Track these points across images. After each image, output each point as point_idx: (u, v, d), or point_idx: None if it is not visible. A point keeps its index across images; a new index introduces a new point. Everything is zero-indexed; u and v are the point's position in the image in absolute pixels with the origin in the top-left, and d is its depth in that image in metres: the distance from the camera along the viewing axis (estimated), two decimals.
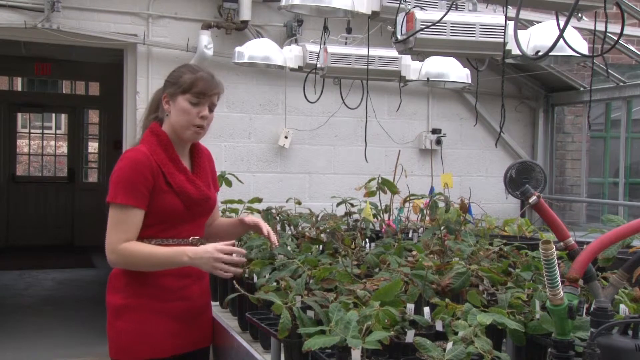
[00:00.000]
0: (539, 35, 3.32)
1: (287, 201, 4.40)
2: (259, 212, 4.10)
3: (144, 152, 2.58)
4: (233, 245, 2.56)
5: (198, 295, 2.73)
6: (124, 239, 2.51)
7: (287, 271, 2.78)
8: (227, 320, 3.34)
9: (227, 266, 2.48)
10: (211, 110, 2.66)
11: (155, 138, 2.63)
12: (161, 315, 2.61)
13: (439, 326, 2.16)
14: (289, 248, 3.28)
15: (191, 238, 2.65)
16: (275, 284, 2.68)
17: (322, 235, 3.61)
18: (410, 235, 3.75)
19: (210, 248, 2.50)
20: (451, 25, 3.11)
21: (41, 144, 13.91)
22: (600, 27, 2.92)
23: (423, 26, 2.99)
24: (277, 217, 4.07)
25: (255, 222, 2.78)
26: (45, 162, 13.92)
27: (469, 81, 4.63)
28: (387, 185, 3.96)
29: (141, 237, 2.58)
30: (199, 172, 2.73)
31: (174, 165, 2.62)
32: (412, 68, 4.57)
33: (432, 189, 4.85)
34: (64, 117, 14.03)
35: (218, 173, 4.28)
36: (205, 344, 2.84)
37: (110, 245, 2.51)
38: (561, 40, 2.30)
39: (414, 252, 2.86)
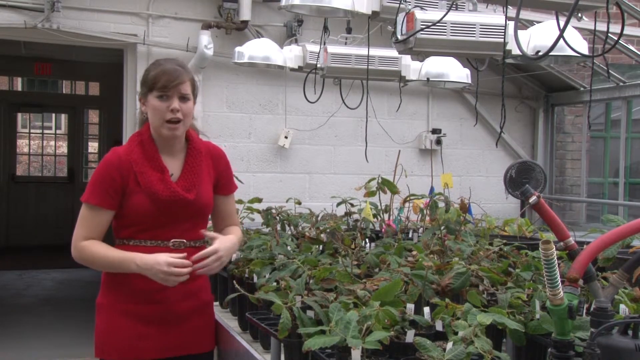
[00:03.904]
0: (539, 35, 3.32)
1: (287, 201, 4.39)
2: (259, 212, 4.10)
3: (117, 153, 2.58)
4: (184, 257, 2.49)
5: (177, 300, 2.60)
6: (85, 236, 2.53)
7: (287, 271, 2.78)
8: (227, 320, 3.34)
9: (176, 278, 2.46)
10: (185, 100, 2.56)
11: (138, 138, 2.62)
12: (131, 317, 2.56)
13: (439, 326, 2.16)
14: (289, 248, 3.28)
15: (172, 241, 2.56)
16: (275, 284, 2.68)
17: (322, 235, 3.61)
18: (410, 235, 3.75)
19: (162, 260, 2.45)
20: (451, 25, 3.11)
21: (41, 144, 13.92)
22: (601, 27, 2.92)
23: (423, 26, 2.98)
24: (277, 217, 4.07)
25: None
26: (45, 162, 13.92)
27: (469, 81, 4.64)
28: (387, 185, 3.95)
29: (121, 238, 2.58)
30: (187, 173, 2.62)
31: (150, 164, 2.56)
32: (412, 68, 4.57)
33: (432, 189, 4.85)
34: (64, 117, 14.03)
35: None
36: (199, 350, 2.70)
37: (73, 241, 2.55)
38: (561, 40, 2.30)
39: (414, 252, 2.86)
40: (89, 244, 2.52)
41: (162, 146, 2.62)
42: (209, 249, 2.55)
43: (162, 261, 2.45)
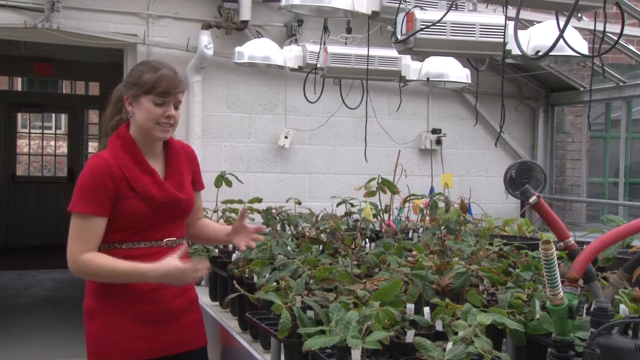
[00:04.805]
0: (539, 35, 3.33)
1: (287, 201, 4.40)
2: (259, 212, 4.10)
3: (104, 159, 2.50)
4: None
5: (172, 298, 2.60)
6: (85, 248, 2.45)
7: (287, 271, 2.78)
8: (227, 320, 3.34)
9: (195, 273, 2.45)
10: (177, 107, 2.56)
11: (120, 141, 2.55)
12: (129, 318, 2.53)
13: (439, 326, 2.17)
14: (289, 248, 3.28)
15: (165, 240, 2.57)
16: (275, 284, 2.68)
17: (322, 235, 3.62)
18: (410, 235, 3.76)
19: (172, 267, 2.41)
20: (451, 25, 3.11)
21: (41, 144, 13.91)
22: (600, 27, 2.92)
23: (423, 26, 2.99)
24: (277, 217, 4.08)
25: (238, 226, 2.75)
26: (45, 162, 13.92)
27: (469, 81, 4.63)
28: (387, 185, 3.96)
29: (112, 242, 2.52)
30: (172, 172, 2.63)
31: (139, 168, 2.54)
32: (412, 68, 4.57)
33: (432, 189, 4.86)
34: (64, 117, 14.03)
35: (218, 173, 4.32)
36: (194, 346, 2.71)
37: (71, 256, 2.46)
38: (561, 40, 2.30)
39: (414, 252, 2.86)
40: (91, 257, 2.46)
41: (144, 148, 2.59)
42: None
43: (173, 268, 2.41)
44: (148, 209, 2.52)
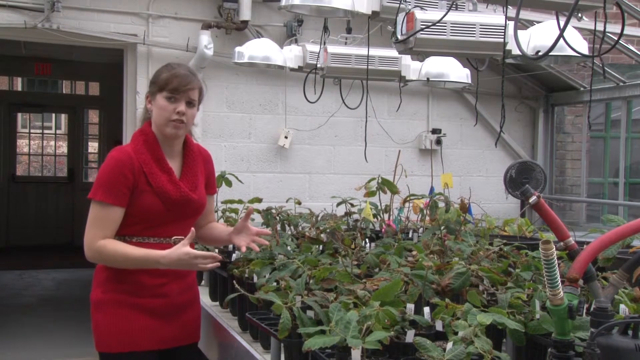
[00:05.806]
0: (539, 35, 3.32)
1: (287, 201, 4.39)
2: (259, 212, 4.10)
3: (126, 152, 2.63)
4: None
5: (177, 293, 2.73)
6: (102, 235, 2.57)
7: (287, 271, 2.79)
8: (227, 320, 3.34)
9: (205, 259, 2.54)
10: (192, 105, 2.68)
11: (143, 137, 2.69)
12: (137, 310, 2.64)
13: (439, 326, 2.17)
14: (289, 248, 3.28)
15: (173, 238, 2.66)
16: (275, 284, 2.68)
17: (322, 235, 3.61)
18: (410, 235, 3.75)
19: (182, 253, 2.52)
20: (451, 25, 3.11)
21: (41, 144, 13.91)
22: (600, 27, 2.92)
23: (423, 26, 2.99)
24: (277, 217, 4.08)
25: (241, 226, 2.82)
26: (45, 162, 13.91)
27: (469, 81, 4.63)
28: (387, 185, 3.96)
29: (123, 235, 2.62)
30: (188, 173, 2.74)
31: (158, 165, 2.65)
32: (412, 68, 4.56)
33: (432, 189, 4.86)
34: (64, 117, 14.02)
35: (218, 173, 4.31)
36: (190, 341, 2.83)
37: (88, 241, 2.59)
38: (561, 40, 2.30)
39: (414, 252, 2.86)
40: (107, 242, 2.57)
41: (164, 146, 2.71)
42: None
43: (183, 255, 2.52)
44: (162, 205, 2.62)
